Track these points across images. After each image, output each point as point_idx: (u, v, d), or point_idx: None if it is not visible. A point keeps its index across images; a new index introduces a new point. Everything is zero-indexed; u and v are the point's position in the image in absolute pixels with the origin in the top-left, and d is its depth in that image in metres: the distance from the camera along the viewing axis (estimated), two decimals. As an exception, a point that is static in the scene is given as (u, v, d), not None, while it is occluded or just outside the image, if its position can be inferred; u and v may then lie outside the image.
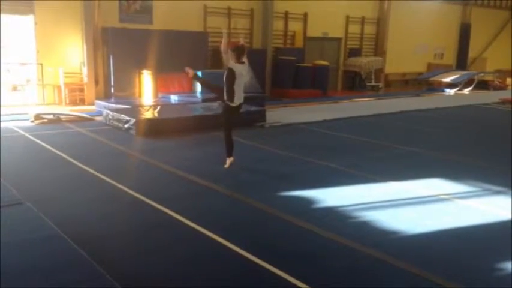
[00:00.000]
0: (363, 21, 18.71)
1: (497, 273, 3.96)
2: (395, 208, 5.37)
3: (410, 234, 4.64)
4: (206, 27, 14.48)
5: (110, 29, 12.41)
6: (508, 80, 21.56)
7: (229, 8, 15.01)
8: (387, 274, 3.87)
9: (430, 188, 6.08)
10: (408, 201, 5.59)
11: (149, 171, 6.62)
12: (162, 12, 13.40)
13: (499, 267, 4.04)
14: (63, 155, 7.19)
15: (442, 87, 18.48)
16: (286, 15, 16.46)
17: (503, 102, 15.37)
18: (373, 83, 18.73)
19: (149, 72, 12.22)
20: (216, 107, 10.29)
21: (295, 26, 16.83)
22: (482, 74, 20.06)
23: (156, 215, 4.94)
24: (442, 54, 22.14)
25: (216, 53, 14.54)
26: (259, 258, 3.95)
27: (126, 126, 8.87)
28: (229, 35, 6.47)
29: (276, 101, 14.25)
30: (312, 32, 17.16)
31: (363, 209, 5.27)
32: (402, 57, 20.06)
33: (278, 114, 11.57)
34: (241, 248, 4.13)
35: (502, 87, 20.01)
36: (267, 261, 3.89)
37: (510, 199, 5.79)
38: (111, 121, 9.35)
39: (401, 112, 12.85)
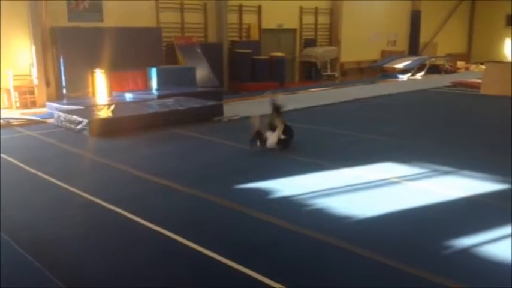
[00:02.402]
0: (316, 11, 18.90)
1: (445, 251, 4.11)
2: (349, 194, 5.50)
3: (363, 218, 4.76)
4: (159, 22, 14.29)
5: (58, 28, 12.06)
6: (459, 63, 22.33)
7: (182, 3, 14.86)
8: (341, 259, 3.96)
9: (382, 172, 6.24)
10: (361, 186, 5.73)
11: (102, 172, 6.51)
12: (113, 9, 13.12)
13: (447, 245, 4.20)
14: (11, 159, 6.97)
15: (395, 73, 18.92)
16: (240, 8, 16.43)
17: (454, 85, 15.91)
18: (329, 73, 18.99)
19: (102, 71, 11.97)
20: (171, 103, 10.21)
21: (250, 19, 16.83)
22: (433, 59, 20.65)
23: (110, 216, 4.87)
24: (395, 41, 22.66)
25: (170, 49, 14.43)
26: (217, 253, 3.97)
27: (78, 127, 8.68)
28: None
29: (234, 95, 14.26)
30: (267, 24, 17.21)
31: (317, 196, 5.37)
32: (356, 45, 20.40)
33: (236, 108, 11.58)
34: (198, 244, 4.13)
35: (453, 70, 20.69)
36: (224, 255, 3.92)
37: (458, 179, 6.03)
38: (63, 123, 9.12)
39: (357, 100, 13.09)
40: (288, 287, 3.47)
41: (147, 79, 12.57)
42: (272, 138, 7.41)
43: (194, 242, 4.17)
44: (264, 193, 5.51)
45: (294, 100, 13.17)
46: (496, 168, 6.40)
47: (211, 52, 14.92)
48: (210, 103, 10.41)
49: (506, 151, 7.44)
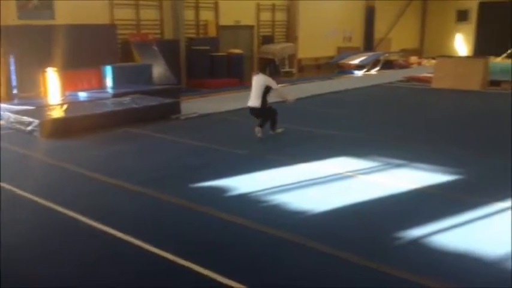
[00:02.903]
0: (273, 8, 19.00)
1: (397, 242, 4.23)
2: (304, 189, 5.58)
3: (317, 213, 4.84)
4: (113, 19, 14.00)
5: (8, 27, 11.61)
6: (412, 58, 22.97)
7: (136, 0, 14.61)
8: (297, 254, 4.01)
9: (337, 167, 6.36)
10: (316, 181, 5.82)
11: (53, 174, 6.33)
12: (65, 6, 12.75)
13: (398, 236, 4.32)
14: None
15: (351, 69, 19.28)
16: (197, 5, 16.31)
17: (407, 80, 16.37)
18: (287, 69, 19.14)
19: (54, 69, 11.63)
20: (127, 101, 10.04)
21: (207, 16, 16.74)
22: (387, 54, 21.17)
23: (61, 218, 4.75)
24: (351, 38, 23.08)
25: (126, 46, 14.17)
26: (171, 253, 3.93)
27: (29, 128, 8.40)
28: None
29: (193, 92, 14.16)
30: (225, 20, 17.16)
31: (273, 192, 5.42)
32: (313, 42, 20.65)
33: (195, 105, 11.51)
34: (151, 244, 4.08)
35: (406, 65, 21.28)
36: (178, 255, 3.89)
37: (409, 171, 6.23)
38: (13, 124, 8.80)
39: (314, 96, 13.27)
40: (245, 284, 3.49)
41: (101, 78, 12.30)
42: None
43: (147, 242, 4.12)
44: (220, 191, 5.51)
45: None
46: (445, 160, 6.64)
47: (168, 49, 14.74)
48: (166, 101, 10.29)
49: (456, 142, 7.73)
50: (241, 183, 5.73)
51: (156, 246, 4.06)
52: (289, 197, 5.27)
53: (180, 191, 5.51)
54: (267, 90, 8.04)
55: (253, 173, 6.18)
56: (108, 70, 12.08)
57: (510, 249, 3.95)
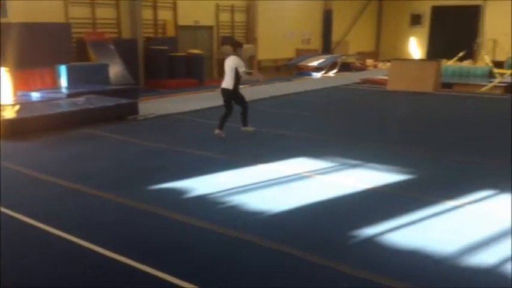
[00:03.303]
0: (233, 9, 19.01)
1: (353, 240, 4.32)
2: (263, 189, 5.62)
3: (276, 213, 4.88)
4: (68, 18, 13.62)
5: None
6: (368, 61, 23.53)
7: (92, -2, 14.29)
8: (255, 255, 4.02)
9: (295, 167, 6.44)
10: (275, 182, 5.87)
11: (5, 177, 6.08)
12: (18, 4, 12.31)
13: (354, 235, 4.42)
14: None
15: (310, 71, 19.55)
16: (155, 4, 16.10)
17: (363, 82, 16.76)
18: (247, 70, 19.16)
19: (6, 69, 11.20)
20: (81, 102, 9.79)
21: (165, 15, 16.56)
22: (345, 57, 21.59)
23: (12, 223, 4.58)
24: (309, 40, 23.39)
25: (81, 45, 13.82)
26: (128, 257, 3.87)
27: (-22, 129, 8.05)
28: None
29: (151, 92, 13.98)
30: (183, 20, 17.03)
31: (232, 193, 5.43)
32: (273, 44, 20.80)
33: (153, 106, 11.37)
34: (106, 248, 4.01)
35: (363, 68, 21.77)
36: (135, 259, 3.83)
37: (365, 171, 6.38)
38: (-39, 125, 8.41)
39: (273, 97, 13.37)
40: (201, 287, 3.48)
41: (55, 77, 11.94)
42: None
43: (101, 245, 4.04)
44: (178, 193, 5.47)
45: (211, 98, 13.19)
46: (400, 160, 6.84)
47: (125, 49, 14.49)
48: (123, 101, 10.11)
49: (410, 143, 7.98)
50: (200, 185, 5.71)
51: (111, 249, 3.98)
52: (248, 197, 5.29)
53: (137, 193, 5.43)
54: (238, 72, 8.05)
55: (212, 174, 6.16)
56: (63, 69, 11.74)
57: (458, 246, 4.11)
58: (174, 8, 16.66)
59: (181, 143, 7.86)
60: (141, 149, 7.57)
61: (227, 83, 8.18)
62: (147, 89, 14.58)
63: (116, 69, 13.57)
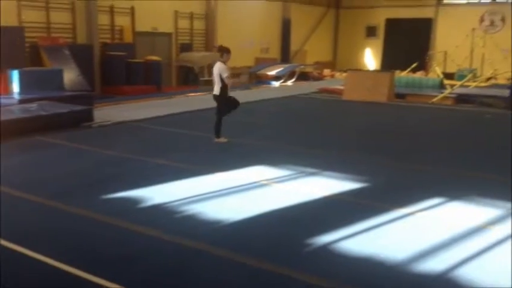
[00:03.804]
0: (191, 16, 18.97)
1: (309, 248, 4.37)
2: (220, 198, 5.61)
3: (233, 222, 4.88)
4: (21, 21, 13.20)
5: None
6: (325, 71, 24.00)
7: (47, 2, 13.90)
8: (212, 265, 3.99)
9: (252, 175, 6.46)
10: (232, 190, 5.87)
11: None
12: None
13: (310, 242, 4.47)
14: None
15: (268, 79, 19.73)
16: (111, 9, 15.85)
17: (321, 91, 17.06)
18: (206, 78, 19.13)
19: (-47, 73, 10.72)
20: (34, 108, 9.48)
21: (122, 21, 16.32)
22: (303, 66, 21.94)
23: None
24: (268, 49, 23.62)
25: (34, 50, 13.40)
26: (78, 268, 3.77)
27: None
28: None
29: (107, 99, 13.71)
30: (141, 26, 16.83)
31: (189, 202, 5.39)
32: (232, 51, 20.79)
33: (109, 113, 11.16)
34: (57, 260, 3.89)
35: (320, 77, 22.19)
36: (85, 270, 3.73)
37: (321, 179, 6.48)
38: None
39: (232, 105, 13.38)
40: (155, 297, 3.44)
41: (7, 82, 11.51)
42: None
43: (50, 256, 3.92)
44: (133, 202, 5.38)
45: (169, 105, 13.08)
46: (355, 168, 6.99)
47: (81, 54, 14.18)
48: (78, 108, 9.87)
49: (365, 151, 8.17)
50: (156, 194, 5.63)
51: (60, 260, 3.87)
52: (204, 206, 5.27)
53: (90, 202, 5.30)
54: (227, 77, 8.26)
55: (168, 182, 6.10)
56: (15, 74, 11.33)
57: (409, 253, 4.24)
58: (132, 14, 16.45)
59: (137, 150, 7.75)
60: (96, 157, 7.41)
61: (216, 89, 8.37)
62: (103, 96, 14.31)
63: (70, 75, 13.24)
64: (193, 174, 6.47)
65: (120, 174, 6.51)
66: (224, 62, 8.37)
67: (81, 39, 14.93)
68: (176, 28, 18.40)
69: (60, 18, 14.35)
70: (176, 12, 18.22)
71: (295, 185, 6.19)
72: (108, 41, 15.83)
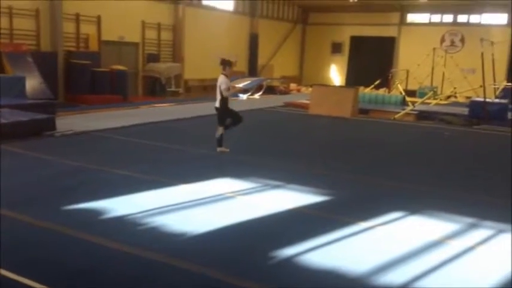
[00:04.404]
0: (159, 27, 18.91)
1: (272, 261, 4.39)
2: (185, 210, 5.57)
3: (197, 235, 4.86)
4: (-19, 26, 12.86)
5: None
6: (292, 85, 24.31)
7: (10, 8, 13.57)
8: (174, 278, 3.96)
9: (218, 188, 6.46)
10: (197, 202, 5.85)
11: None
12: None
13: (273, 255, 4.49)
14: None
15: (236, 92, 19.77)
16: (77, 17, 15.62)
17: (287, 105, 17.26)
18: (173, 89, 19.08)
19: None
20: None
21: (88, 29, 16.11)
22: (270, 80, 22.17)
23: None
24: (235, 62, 23.73)
25: (-5, 56, 13.04)
26: (37, 280, 3.66)
27: None
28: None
29: (71, 108, 13.45)
30: (107, 35, 16.66)
31: (153, 214, 5.33)
32: (200, 64, 20.88)
33: (72, 122, 10.94)
34: (14, 272, 3.77)
35: (287, 91, 22.46)
36: (44, 283, 3.64)
37: (286, 192, 6.54)
38: None
39: (200, 116, 13.37)
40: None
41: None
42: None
43: (8, 269, 3.80)
44: (95, 213, 5.27)
45: (135, 115, 12.94)
46: (320, 181, 7.09)
47: (44, 62, 13.90)
48: (40, 116, 9.64)
49: (330, 164, 8.30)
50: (119, 205, 5.55)
51: (18, 273, 3.75)
52: (169, 219, 5.22)
53: (52, 214, 5.17)
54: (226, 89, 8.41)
55: (132, 194, 6.02)
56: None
57: (370, 266, 4.32)
58: (98, 23, 16.26)
59: (100, 161, 7.61)
60: (57, 167, 7.23)
61: (217, 101, 8.53)
62: (67, 104, 14.02)
63: (33, 83, 12.93)
64: (157, 185, 6.41)
65: (81, 185, 6.37)
66: (226, 75, 8.53)
67: (45, 46, 14.62)
68: (143, 38, 18.30)
69: (23, 24, 14.03)
70: (143, 22, 18.13)
71: (260, 198, 6.22)
72: (73, 49, 15.58)
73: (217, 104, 8.55)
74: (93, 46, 16.19)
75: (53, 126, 9.68)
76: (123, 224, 5.05)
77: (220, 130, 8.66)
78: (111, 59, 16.73)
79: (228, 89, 8.48)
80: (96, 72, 15.45)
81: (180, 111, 14.16)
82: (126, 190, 6.14)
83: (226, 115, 8.65)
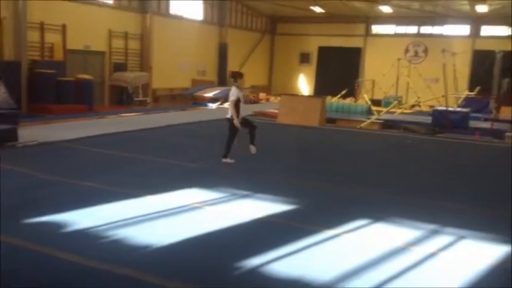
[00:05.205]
0: (126, 36, 18.74)
1: (238, 272, 4.38)
2: (151, 222, 5.50)
3: (162, 247, 4.80)
4: None
5: None
6: (261, 94, 24.45)
7: (-30, 14, 13.23)
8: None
9: (185, 198, 6.41)
10: (163, 213, 5.79)
11: None
12: None
13: (240, 266, 4.48)
14: None
15: (205, 101, 19.79)
16: (42, 26, 15.32)
17: (256, 114, 17.31)
18: (141, 98, 18.90)
19: None
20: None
21: (53, 38, 15.82)
22: (239, 89, 22.21)
23: None
24: (205, 71, 23.77)
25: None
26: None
27: None
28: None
29: (35, 118, 13.14)
30: (73, 44, 16.40)
31: (117, 227, 5.24)
32: (168, 73, 20.79)
33: (36, 132, 10.68)
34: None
35: (256, 101, 22.58)
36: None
37: (253, 201, 6.55)
38: None
39: (168, 126, 13.29)
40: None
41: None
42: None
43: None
44: (58, 226, 5.15)
45: (103, 125, 12.74)
46: (287, 190, 7.13)
47: (7, 71, 13.49)
48: (1, 127, 9.36)
49: (297, 174, 8.36)
50: (83, 218, 5.43)
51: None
52: (134, 231, 5.14)
53: (12, 227, 5.02)
54: (235, 102, 8.50)
55: (96, 206, 5.91)
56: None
57: (336, 274, 4.36)
58: (64, 31, 15.99)
59: (64, 172, 7.45)
60: (19, 178, 7.04)
61: (228, 112, 8.70)
62: (30, 114, 13.71)
63: (-6, 92, 12.54)
64: (122, 197, 6.31)
65: (44, 197, 6.22)
66: (237, 86, 8.69)
67: (9, 55, 14.28)
68: (110, 47, 18.09)
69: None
70: (110, 31, 17.93)
71: (228, 208, 6.21)
72: (37, 58, 15.27)
73: (228, 115, 8.72)
74: (58, 55, 15.90)
75: (15, 137, 9.44)
76: (86, 237, 4.94)
77: (252, 149, 8.89)
78: (77, 68, 16.47)
79: (237, 100, 8.54)
80: (61, 82, 15.18)
81: (148, 121, 14.02)
82: (90, 202, 6.02)
83: (233, 126, 8.72)
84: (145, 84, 19.23)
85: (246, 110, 18.57)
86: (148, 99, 19.49)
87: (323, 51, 28.27)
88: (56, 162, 8.32)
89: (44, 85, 14.76)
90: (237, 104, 8.58)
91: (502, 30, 24.88)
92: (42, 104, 14.61)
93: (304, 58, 28.91)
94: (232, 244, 5.03)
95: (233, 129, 8.72)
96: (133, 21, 18.99)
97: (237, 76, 8.98)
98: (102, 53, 17.85)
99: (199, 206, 6.16)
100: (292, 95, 19.84)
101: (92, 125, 12.72)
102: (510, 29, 23.97)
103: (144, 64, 19.60)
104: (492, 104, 18.87)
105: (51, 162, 8.28)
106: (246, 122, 9.00)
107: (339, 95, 20.80)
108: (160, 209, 5.93)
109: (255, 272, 4.36)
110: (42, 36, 15.41)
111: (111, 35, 17.98)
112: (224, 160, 8.72)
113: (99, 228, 5.16)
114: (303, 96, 21.97)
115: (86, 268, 4.23)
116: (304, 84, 29.04)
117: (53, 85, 14.97)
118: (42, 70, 14.78)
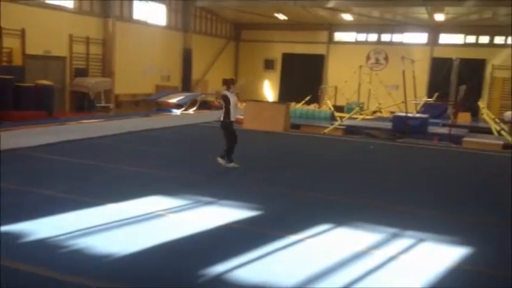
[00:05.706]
0: (87, 41, 18.40)
1: (202, 279, 4.34)
2: (112, 231, 5.40)
3: (124, 256, 4.71)
4: None
5: None
6: (227, 100, 24.37)
7: None
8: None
9: (148, 206, 6.32)
10: (125, 222, 5.69)
11: None
12: None
13: (204, 273, 4.44)
14: None
15: (169, 107, 19.62)
16: (-1, 30, 14.87)
17: (221, 120, 17.29)
18: (103, 104, 18.56)
19: None
20: None
21: (11, 43, 15.37)
22: (204, 95, 22.17)
23: None
24: (169, 77, 23.57)
25: None
26: None
27: None
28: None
29: (-9, 125, 12.69)
30: (32, 49, 15.97)
31: (77, 236, 5.11)
32: (131, 78, 20.52)
33: (-8, 140, 10.29)
34: None
35: (221, 107, 22.48)
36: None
37: (218, 208, 6.53)
38: None
39: (131, 132, 13.09)
40: None
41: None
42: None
43: None
44: (15, 237, 4.97)
45: (64, 132, 12.42)
46: (252, 196, 7.13)
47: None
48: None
49: (262, 180, 8.39)
50: (42, 228, 5.28)
51: None
52: (94, 240, 5.03)
53: (-35, 239, 4.83)
54: (227, 106, 8.87)
55: (56, 215, 5.75)
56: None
57: (299, 279, 4.39)
58: (22, 36, 15.56)
59: (23, 181, 7.23)
60: (-27, 188, 6.77)
61: (221, 117, 9.08)
62: (-13, 121, 13.22)
63: None
64: (83, 206, 6.16)
65: (2, 206, 5.98)
66: (232, 93, 9.06)
67: (-37, 60, 13.77)
68: (71, 52, 17.72)
69: None
70: (71, 36, 17.56)
71: (192, 215, 6.17)
72: (-6, 63, 14.77)
73: (221, 118, 9.14)
74: (17, 60, 15.45)
75: (-31, 145, 9.07)
76: (44, 247, 4.80)
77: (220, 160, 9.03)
78: (37, 74, 16.03)
79: (224, 103, 8.94)
80: (20, 88, 14.73)
81: (110, 127, 13.78)
82: (49, 211, 5.85)
83: (226, 131, 9.04)
84: (108, 90, 18.90)
85: (211, 116, 18.59)
86: (111, 105, 19.16)
87: (287, 57, 28.56)
88: (14, 171, 8.03)
89: (2, 91, 14.28)
90: (228, 111, 8.94)
91: (459, 39, 25.84)
92: (0, 110, 14.13)
93: (269, 64, 29.13)
94: (194, 251, 4.98)
95: (230, 132, 9.01)
96: (95, 26, 18.67)
97: (230, 83, 9.28)
98: (62, 58, 17.45)
99: (163, 214, 6.09)
100: (257, 101, 19.93)
101: (52, 132, 12.39)
102: (466, 37, 24.91)
103: (106, 69, 19.28)
104: (450, 110, 19.52)
105: (10, 171, 7.98)
106: (230, 133, 9.19)
107: (303, 101, 21.04)
108: (123, 217, 5.82)
109: (219, 278, 4.35)
110: (0, 41, 14.95)
111: (72, 39, 17.61)
112: (225, 165, 8.96)
113: (57, 238, 5.02)
114: (267, 102, 22.11)
115: (45, 278, 4.10)
116: (269, 91, 29.23)
117: (11, 91, 14.51)
118: (0, 76, 14.30)
